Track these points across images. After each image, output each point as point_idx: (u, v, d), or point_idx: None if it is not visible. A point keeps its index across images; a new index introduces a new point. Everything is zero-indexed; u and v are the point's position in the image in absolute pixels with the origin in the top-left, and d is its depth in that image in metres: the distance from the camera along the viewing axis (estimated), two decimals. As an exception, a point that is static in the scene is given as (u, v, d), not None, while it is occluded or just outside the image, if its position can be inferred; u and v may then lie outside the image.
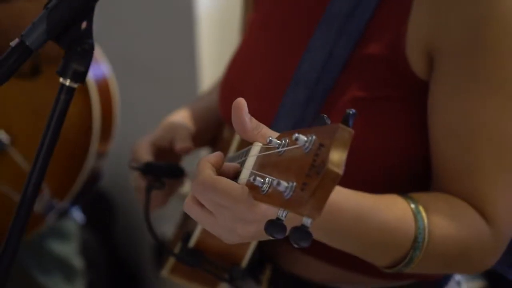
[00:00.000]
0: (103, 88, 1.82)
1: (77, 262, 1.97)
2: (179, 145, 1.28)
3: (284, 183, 0.72)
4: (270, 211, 0.83)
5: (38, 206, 1.71)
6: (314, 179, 0.70)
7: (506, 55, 1.03)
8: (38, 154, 0.98)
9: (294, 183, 0.72)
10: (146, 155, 1.28)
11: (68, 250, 1.95)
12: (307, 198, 0.70)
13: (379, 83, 1.10)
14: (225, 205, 0.83)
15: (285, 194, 0.72)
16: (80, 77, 0.98)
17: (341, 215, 0.97)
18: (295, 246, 0.72)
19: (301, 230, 0.71)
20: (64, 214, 1.79)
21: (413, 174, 1.13)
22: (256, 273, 1.19)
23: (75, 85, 0.98)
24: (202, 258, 1.13)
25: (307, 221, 0.72)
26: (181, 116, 1.38)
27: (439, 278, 1.24)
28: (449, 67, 1.05)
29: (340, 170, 0.70)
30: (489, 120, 1.04)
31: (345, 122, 0.73)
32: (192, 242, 1.13)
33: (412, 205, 1.03)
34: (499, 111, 1.04)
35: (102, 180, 1.90)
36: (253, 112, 1.02)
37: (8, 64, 0.95)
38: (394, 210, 1.03)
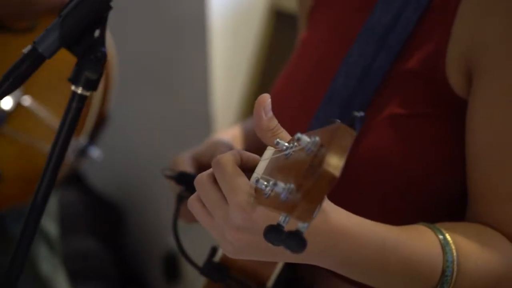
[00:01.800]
0: None
1: (53, 229, 1.98)
2: None
3: (281, 185, 0.70)
4: (261, 221, 0.80)
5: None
6: (309, 180, 0.67)
7: None
8: (47, 165, 0.98)
9: (292, 185, 0.69)
10: (185, 166, 1.27)
11: (51, 227, 1.96)
12: (300, 199, 0.67)
13: (417, 100, 1.07)
14: (219, 203, 0.82)
15: (282, 196, 0.70)
16: (92, 85, 0.98)
17: (364, 247, 0.92)
18: (289, 252, 0.69)
19: (295, 236, 0.68)
20: (83, 153, 1.82)
21: (451, 196, 1.09)
22: None
23: (87, 93, 0.98)
24: (227, 273, 1.09)
25: (302, 226, 0.69)
26: (229, 134, 1.37)
27: None
28: (488, 84, 1.02)
29: (336, 172, 0.67)
30: None
31: (351, 124, 0.71)
32: (218, 257, 1.11)
33: (440, 236, 0.98)
34: None
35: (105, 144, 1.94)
36: (290, 125, 0.98)
37: (20, 71, 0.95)
38: (420, 242, 0.97)
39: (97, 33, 0.98)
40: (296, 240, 0.68)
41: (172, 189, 1.26)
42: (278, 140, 0.80)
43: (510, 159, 1.01)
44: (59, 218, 2.03)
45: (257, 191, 0.78)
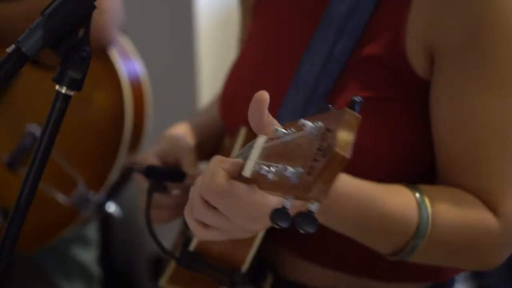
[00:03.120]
0: (135, 85, 1.84)
1: (96, 271, 1.97)
2: (191, 172, 1.28)
3: (290, 169, 0.72)
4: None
5: (73, 199, 1.73)
6: (321, 162, 0.70)
7: (505, 49, 1.05)
8: (31, 164, 0.97)
9: (301, 168, 0.72)
10: (150, 161, 1.29)
11: (90, 258, 1.95)
12: (314, 181, 0.70)
13: (380, 83, 1.11)
14: (239, 208, 0.85)
15: (292, 179, 0.72)
16: (77, 84, 0.97)
17: (341, 199, 0.99)
18: (301, 231, 0.72)
19: (307, 216, 0.72)
20: (100, 207, 1.79)
21: (417, 174, 1.13)
22: (258, 280, 1.18)
23: (71, 93, 0.97)
24: (203, 261, 1.12)
25: (312, 206, 0.72)
26: (183, 129, 1.38)
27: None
28: (450, 64, 1.06)
29: (347, 153, 0.70)
30: (493, 114, 1.05)
31: (351, 108, 0.74)
32: (192, 246, 1.13)
33: (417, 194, 1.04)
34: (503, 104, 1.05)
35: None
36: None
37: (4, 71, 0.94)
38: (397, 197, 1.04)
39: (81, 32, 0.97)
40: (309, 220, 0.71)
41: (140, 185, 1.28)
42: (276, 127, 0.82)
43: (476, 131, 1.06)
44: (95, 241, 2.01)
45: (259, 176, 0.80)
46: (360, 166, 1.07)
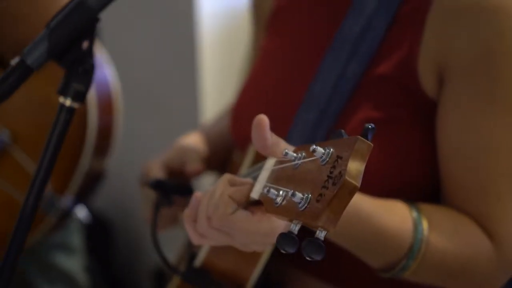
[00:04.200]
0: (103, 88, 1.82)
1: (82, 278, 1.96)
2: (190, 167, 1.30)
3: (299, 194, 0.72)
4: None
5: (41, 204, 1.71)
6: (330, 190, 0.70)
7: None
8: (36, 175, 0.97)
9: (310, 195, 0.72)
10: (157, 173, 1.29)
11: (74, 265, 1.94)
12: (323, 209, 0.70)
13: (391, 103, 1.11)
14: (241, 234, 0.89)
15: (300, 205, 0.72)
16: (81, 97, 0.97)
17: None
18: (308, 259, 0.72)
19: (314, 243, 0.71)
20: (68, 213, 1.77)
21: (425, 193, 1.13)
22: None
23: (76, 105, 0.97)
24: (208, 278, 1.12)
25: (320, 233, 0.71)
26: (193, 140, 1.39)
27: None
28: (458, 85, 1.06)
29: (357, 182, 0.69)
30: (498, 139, 1.05)
31: (364, 136, 0.73)
32: (198, 262, 1.13)
33: (415, 215, 1.04)
34: (509, 130, 1.05)
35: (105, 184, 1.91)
36: None
37: (9, 83, 0.94)
38: (394, 216, 1.04)
39: (85, 45, 0.97)
40: (316, 248, 0.71)
41: (145, 198, 1.28)
42: (287, 151, 0.81)
43: (480, 156, 1.06)
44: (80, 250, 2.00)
45: (266, 199, 0.79)
46: (366, 186, 1.07)
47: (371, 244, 1.04)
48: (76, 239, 1.95)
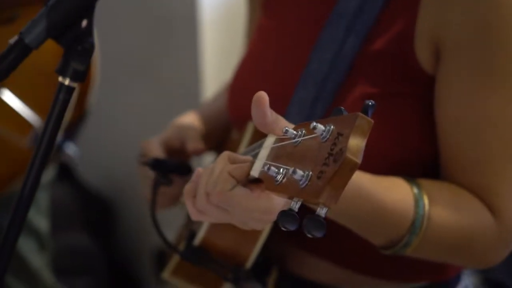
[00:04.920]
0: None
1: (43, 224, 1.96)
2: (191, 145, 1.30)
3: (300, 172, 0.72)
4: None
5: (29, 140, 1.71)
6: (331, 167, 0.70)
7: (511, 47, 1.04)
8: (34, 156, 0.96)
9: (311, 172, 0.71)
10: (156, 152, 1.29)
11: (42, 222, 1.94)
12: (324, 186, 0.69)
13: (388, 79, 1.11)
14: (240, 211, 0.88)
15: (301, 183, 0.72)
16: (80, 76, 0.96)
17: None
18: (309, 235, 0.72)
19: (315, 220, 0.71)
20: (58, 148, 1.79)
21: (425, 168, 1.13)
22: (262, 275, 1.18)
23: (75, 85, 0.96)
24: (207, 256, 1.12)
25: (321, 210, 0.71)
26: (191, 118, 1.39)
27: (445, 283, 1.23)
28: (455, 60, 1.06)
29: (358, 159, 0.70)
30: (496, 112, 1.05)
31: (364, 112, 0.73)
32: (197, 241, 1.13)
33: (416, 190, 1.05)
34: (506, 103, 1.05)
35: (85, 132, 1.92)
36: None
37: (7, 62, 0.93)
38: (394, 192, 1.04)
39: (84, 23, 0.96)
40: (316, 224, 0.71)
41: (144, 177, 1.27)
42: (287, 128, 0.82)
43: (479, 128, 1.06)
44: (50, 214, 2.01)
45: (266, 177, 0.79)
46: (365, 161, 1.07)
47: (372, 221, 1.04)
48: (45, 198, 1.95)
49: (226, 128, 1.38)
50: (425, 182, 1.07)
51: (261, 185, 0.84)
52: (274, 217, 0.86)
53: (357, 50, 1.12)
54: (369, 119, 0.72)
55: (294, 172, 0.72)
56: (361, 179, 1.01)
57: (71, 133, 1.82)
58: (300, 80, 1.15)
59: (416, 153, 1.12)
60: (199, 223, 1.14)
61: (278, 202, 0.86)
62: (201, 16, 2.33)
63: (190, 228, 1.22)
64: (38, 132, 1.71)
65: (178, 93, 2.47)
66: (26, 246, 1.90)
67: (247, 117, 1.19)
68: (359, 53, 1.12)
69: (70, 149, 1.81)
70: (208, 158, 1.55)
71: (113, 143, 2.68)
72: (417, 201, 1.04)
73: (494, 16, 1.04)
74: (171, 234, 1.43)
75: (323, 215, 0.71)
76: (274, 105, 1.17)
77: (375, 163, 1.09)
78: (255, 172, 0.85)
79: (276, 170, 0.77)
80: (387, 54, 1.10)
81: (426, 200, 1.04)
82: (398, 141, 1.11)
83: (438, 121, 1.09)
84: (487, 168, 1.06)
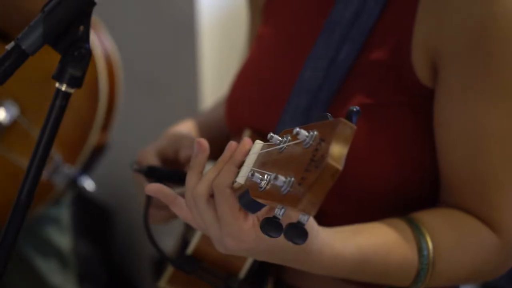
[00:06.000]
0: (108, 61, 1.84)
1: (65, 242, 1.96)
2: (185, 153, 1.28)
3: (281, 178, 0.71)
4: (252, 241, 0.88)
5: (48, 172, 1.72)
6: (313, 173, 0.69)
7: (508, 58, 1.03)
8: (31, 161, 0.96)
9: (293, 178, 0.70)
10: (150, 160, 1.27)
11: (65, 242, 1.94)
12: (304, 193, 0.68)
13: (384, 90, 1.09)
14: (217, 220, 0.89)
15: (283, 189, 0.71)
16: (77, 82, 0.96)
17: (343, 262, 0.99)
18: (290, 243, 0.71)
19: (297, 227, 0.70)
20: (73, 182, 1.79)
21: (421, 180, 1.12)
22: (257, 285, 1.16)
23: (71, 90, 0.96)
24: (199, 265, 1.11)
25: (303, 218, 0.70)
26: (187, 127, 1.38)
27: None
28: (453, 72, 1.04)
29: (339, 165, 0.68)
30: (496, 126, 1.03)
31: (348, 118, 0.72)
32: (190, 249, 1.12)
33: (417, 236, 1.04)
34: (507, 116, 1.03)
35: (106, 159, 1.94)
36: (257, 119, 1.01)
37: (4, 68, 0.93)
38: (395, 253, 1.03)
39: (81, 29, 0.96)
40: (298, 231, 0.70)
41: (139, 184, 1.27)
42: (271, 134, 0.81)
43: (479, 143, 1.04)
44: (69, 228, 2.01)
45: (252, 184, 0.79)
46: (359, 175, 1.07)
47: (378, 278, 1.05)
48: (66, 215, 1.95)
49: (223, 138, 1.36)
50: (424, 219, 1.06)
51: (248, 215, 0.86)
52: (239, 245, 0.89)
53: (353, 59, 1.10)
54: (352, 124, 0.71)
55: (275, 178, 0.71)
56: (360, 245, 1.01)
57: (89, 167, 1.82)
58: (295, 88, 1.14)
59: (413, 165, 1.10)
60: (193, 232, 1.13)
61: (248, 234, 0.88)
62: (200, 22, 2.33)
63: (185, 238, 1.21)
64: (58, 165, 1.72)
65: (177, 99, 2.47)
66: (45, 266, 1.90)
67: (244, 124, 1.19)
68: (355, 62, 1.11)
69: (86, 183, 1.81)
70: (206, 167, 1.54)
71: (113, 150, 2.68)
72: (421, 250, 1.04)
73: (492, 28, 1.02)
74: (171, 241, 1.42)
75: (305, 222, 0.70)
76: (269, 113, 1.17)
77: (370, 174, 1.08)
78: (241, 179, 0.84)
79: (260, 176, 0.76)
80: (384, 64, 1.09)
81: (430, 245, 1.04)
82: (393, 153, 1.09)
83: (437, 135, 1.08)
84: (487, 183, 1.05)
